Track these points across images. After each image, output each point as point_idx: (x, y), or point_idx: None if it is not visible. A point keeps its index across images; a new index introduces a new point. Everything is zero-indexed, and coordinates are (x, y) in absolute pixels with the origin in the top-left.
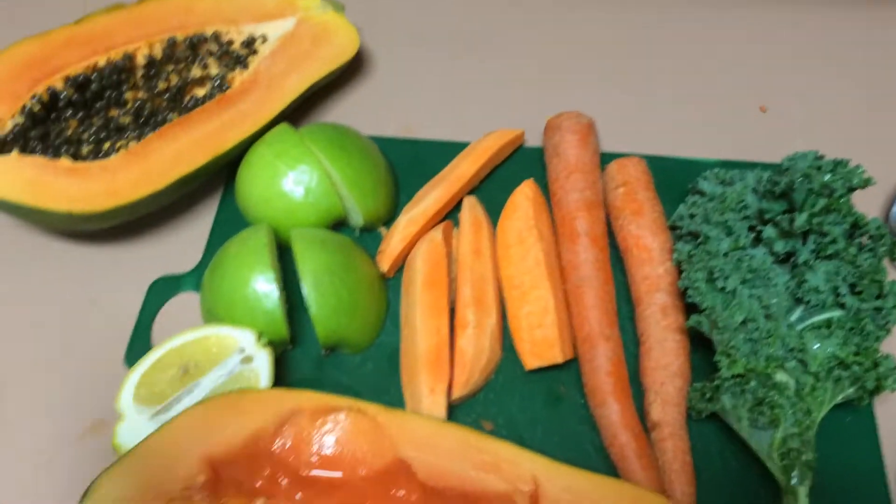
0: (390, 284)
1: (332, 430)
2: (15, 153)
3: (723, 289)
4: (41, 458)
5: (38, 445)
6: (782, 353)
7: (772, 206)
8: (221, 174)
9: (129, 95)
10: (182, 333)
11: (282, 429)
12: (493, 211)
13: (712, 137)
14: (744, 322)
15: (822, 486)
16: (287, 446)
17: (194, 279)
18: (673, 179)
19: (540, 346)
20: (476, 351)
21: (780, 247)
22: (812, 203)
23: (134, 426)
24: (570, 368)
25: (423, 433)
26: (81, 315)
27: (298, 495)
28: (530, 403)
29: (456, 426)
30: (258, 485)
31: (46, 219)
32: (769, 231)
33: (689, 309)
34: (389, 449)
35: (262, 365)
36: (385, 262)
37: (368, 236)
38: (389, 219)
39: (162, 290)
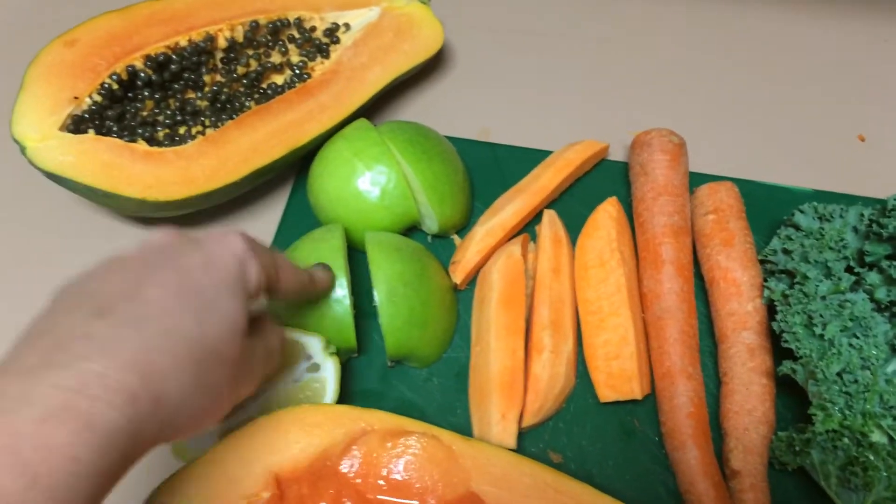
0: (461, 297)
1: (403, 455)
2: (91, 134)
3: (821, 336)
4: None
5: None
6: (880, 409)
7: (875, 249)
8: (293, 167)
9: (207, 79)
10: None
11: (351, 448)
12: (572, 226)
13: (806, 165)
14: (840, 374)
15: None
16: (355, 468)
17: None
18: (762, 206)
19: (617, 378)
20: (551, 378)
21: (883, 294)
22: None
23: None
24: (646, 402)
25: (499, 468)
26: None
27: None
28: (601, 437)
29: (534, 463)
30: None
31: (119, 203)
32: (872, 277)
33: (777, 351)
34: (463, 481)
35: (330, 375)
36: (459, 274)
37: (440, 243)
38: (464, 226)
39: None
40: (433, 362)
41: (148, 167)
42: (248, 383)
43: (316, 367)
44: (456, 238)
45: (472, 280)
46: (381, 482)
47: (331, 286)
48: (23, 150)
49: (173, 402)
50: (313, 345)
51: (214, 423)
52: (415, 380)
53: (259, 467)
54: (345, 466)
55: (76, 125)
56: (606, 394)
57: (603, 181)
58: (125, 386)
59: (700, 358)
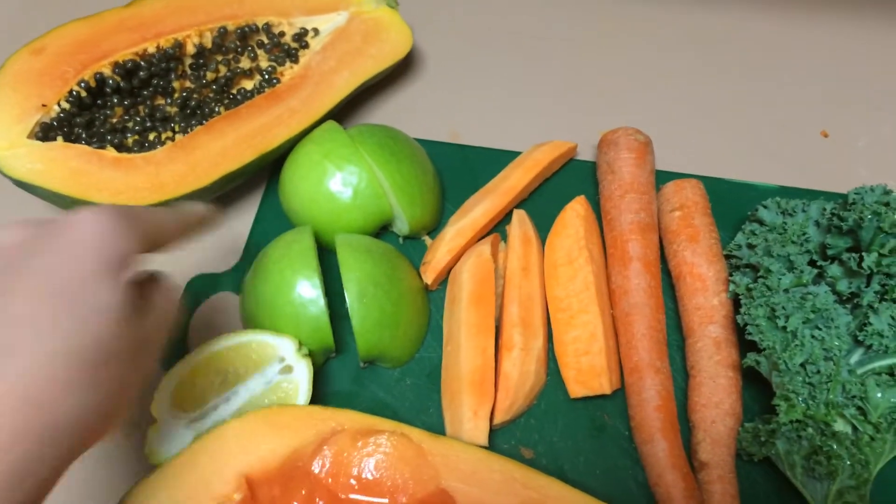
0: (432, 297)
1: (374, 454)
2: (60, 141)
3: (784, 328)
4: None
5: None
6: (842, 399)
7: (836, 242)
8: (264, 171)
9: (176, 85)
10: (222, 338)
11: (322, 449)
12: (541, 225)
13: (771, 161)
14: (803, 364)
15: None
16: (326, 467)
17: (232, 279)
18: (728, 203)
19: (586, 374)
20: (521, 375)
21: (844, 286)
22: (881, 243)
23: (168, 432)
24: (616, 397)
25: (468, 464)
26: None
27: None
28: (572, 432)
29: (503, 459)
30: None
31: None
32: (834, 269)
33: (743, 344)
34: (433, 478)
35: (302, 376)
36: (429, 275)
37: (411, 245)
38: (434, 227)
39: (199, 289)
40: (405, 362)
41: (117, 173)
42: (149, 357)
43: (289, 369)
44: (427, 239)
45: (443, 280)
46: (353, 481)
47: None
48: None
49: (73, 419)
50: (286, 347)
51: (128, 410)
52: (387, 380)
53: (230, 469)
54: (316, 466)
55: (45, 133)
56: (576, 389)
57: (571, 181)
58: (12, 426)
59: (668, 352)
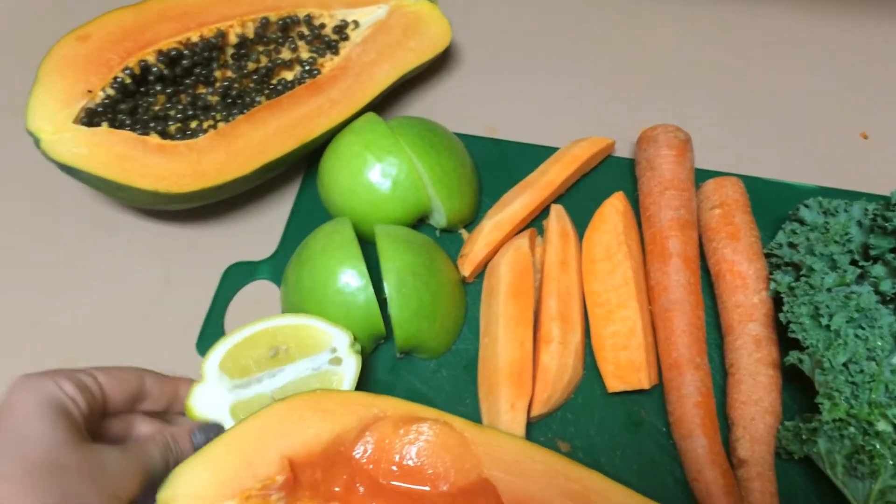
0: (469, 290)
1: (416, 441)
2: (105, 126)
3: (827, 326)
4: None
5: None
6: (885, 399)
7: (879, 242)
8: (303, 162)
9: (218, 74)
10: (282, 316)
11: (364, 434)
12: (579, 221)
13: (810, 162)
14: (846, 364)
15: None
16: (368, 453)
17: (270, 267)
18: (767, 203)
19: (624, 369)
20: (559, 368)
21: (888, 287)
22: None
23: (211, 392)
24: (653, 393)
25: (511, 454)
26: (155, 294)
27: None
28: (609, 427)
29: (545, 451)
30: (335, 490)
31: (131, 195)
32: (877, 269)
33: (783, 343)
34: (474, 467)
35: (349, 370)
36: (467, 267)
37: (448, 238)
38: (471, 221)
39: (237, 276)
40: (442, 354)
41: (160, 160)
42: (114, 486)
43: (338, 361)
44: (464, 232)
45: (480, 273)
46: (394, 468)
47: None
48: (37, 142)
49: None
50: (340, 339)
51: None
52: (424, 371)
53: (273, 451)
54: (358, 452)
55: (90, 118)
56: (614, 384)
57: (609, 177)
58: None
59: (706, 350)
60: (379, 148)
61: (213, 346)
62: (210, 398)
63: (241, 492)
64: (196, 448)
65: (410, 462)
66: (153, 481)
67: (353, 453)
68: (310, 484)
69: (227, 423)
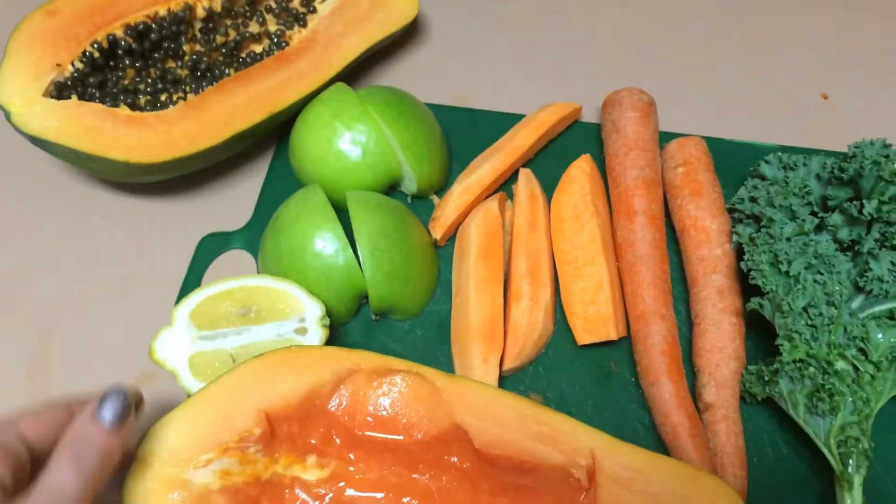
0: (441, 253)
1: (389, 393)
2: (74, 99)
3: (786, 273)
4: None
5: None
6: (844, 340)
7: (837, 193)
8: (274, 133)
9: (186, 48)
10: (262, 277)
11: (339, 388)
12: (547, 185)
13: (772, 123)
14: (805, 308)
15: (875, 477)
16: (343, 406)
17: (244, 237)
18: (731, 163)
19: (593, 322)
20: (530, 323)
21: (845, 234)
22: (881, 190)
23: (176, 339)
24: (621, 346)
25: (481, 401)
26: (130, 268)
27: (351, 455)
28: (580, 379)
29: (515, 396)
30: (312, 442)
31: (103, 167)
32: (835, 218)
33: (746, 293)
34: (447, 415)
35: (313, 342)
36: (438, 230)
37: (419, 204)
38: (442, 187)
39: (211, 247)
40: (416, 315)
41: (131, 131)
42: None
43: (303, 331)
44: (435, 198)
45: (451, 237)
46: (369, 419)
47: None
48: (7, 115)
49: None
50: (312, 310)
51: None
52: (398, 332)
53: (250, 406)
54: (333, 405)
55: (59, 92)
56: (584, 337)
57: (576, 142)
58: None
59: (672, 302)
60: (348, 116)
61: (188, 295)
62: (173, 345)
63: (218, 445)
64: (110, 425)
65: (384, 413)
66: (104, 486)
67: (329, 406)
68: (286, 437)
69: (183, 372)
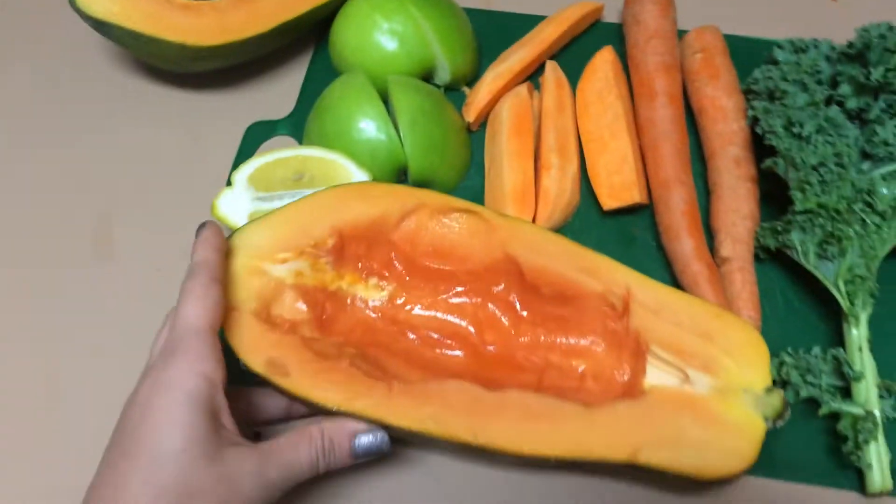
0: (473, 138)
1: (449, 227)
2: None
3: (799, 135)
4: (156, 272)
5: (153, 261)
6: (852, 194)
7: (846, 69)
8: (314, 31)
9: None
10: (315, 147)
11: (404, 219)
12: (572, 79)
13: (783, 21)
14: (816, 166)
15: (879, 322)
16: (406, 236)
17: (289, 124)
18: (743, 58)
19: (618, 189)
20: (559, 190)
21: (854, 103)
22: (887, 59)
23: (236, 199)
24: (644, 214)
25: (531, 237)
26: (182, 152)
27: (408, 278)
28: (605, 244)
29: (560, 237)
30: (375, 266)
31: (160, 50)
32: (844, 88)
33: (762, 161)
34: (499, 247)
35: None
36: (471, 114)
37: (452, 96)
38: (472, 79)
39: (258, 134)
40: (451, 189)
41: (187, 16)
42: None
43: None
44: (466, 90)
45: (482, 124)
46: (429, 249)
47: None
48: (72, 1)
49: None
50: (360, 178)
51: None
52: None
53: (326, 221)
54: (397, 234)
55: None
56: (609, 202)
57: (598, 39)
58: None
59: (692, 172)
60: (386, 8)
61: (247, 161)
62: (234, 203)
63: (296, 248)
64: (354, 457)
65: (443, 245)
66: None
67: (393, 235)
68: (353, 257)
69: None
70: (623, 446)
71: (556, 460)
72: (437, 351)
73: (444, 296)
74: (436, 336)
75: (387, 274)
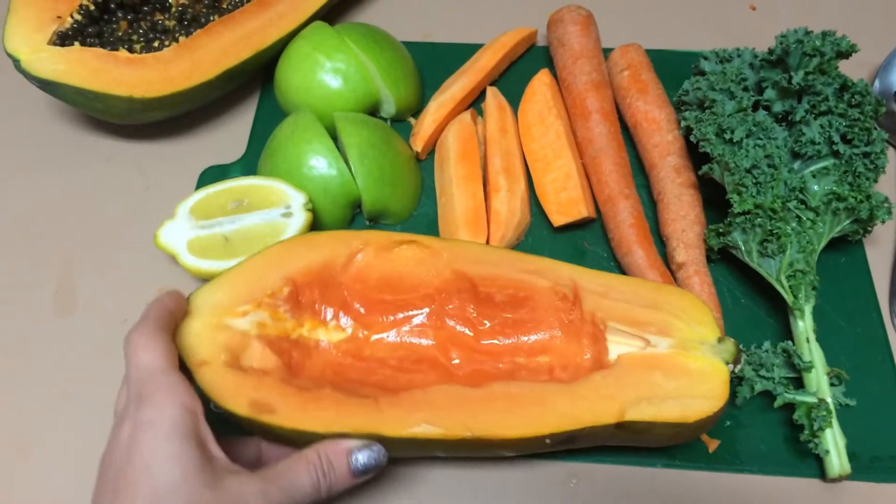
0: (422, 166)
1: (395, 260)
2: (77, 45)
3: (731, 140)
4: (120, 324)
5: (115, 310)
6: (785, 192)
7: (769, 75)
8: (259, 75)
9: (172, 0)
10: (251, 177)
11: (352, 260)
12: (511, 102)
13: (703, 32)
14: (749, 169)
15: (822, 313)
16: (356, 275)
17: (241, 167)
18: (669, 70)
19: (566, 205)
20: (509, 211)
21: (779, 107)
22: (806, 63)
23: (176, 228)
24: (592, 229)
25: (473, 253)
26: (138, 200)
27: (365, 314)
28: (558, 258)
29: (499, 248)
30: (331, 308)
31: (108, 105)
32: (769, 93)
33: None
34: (446, 266)
35: (297, 223)
36: (418, 143)
37: (398, 127)
38: (417, 110)
39: (212, 178)
40: (405, 219)
41: (132, 70)
42: None
43: (289, 215)
44: (412, 120)
45: (430, 152)
46: (380, 284)
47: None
48: (17, 63)
49: None
50: (297, 199)
51: None
52: None
53: (279, 273)
54: (346, 275)
55: (62, 40)
56: (558, 219)
57: (534, 63)
58: None
59: (634, 185)
60: (328, 48)
61: (192, 194)
62: (174, 232)
63: (253, 300)
64: (354, 474)
65: (393, 277)
66: None
67: (343, 276)
68: (309, 302)
69: (182, 253)
70: (609, 410)
71: (551, 439)
72: (410, 376)
73: (404, 324)
74: (404, 364)
75: (345, 314)
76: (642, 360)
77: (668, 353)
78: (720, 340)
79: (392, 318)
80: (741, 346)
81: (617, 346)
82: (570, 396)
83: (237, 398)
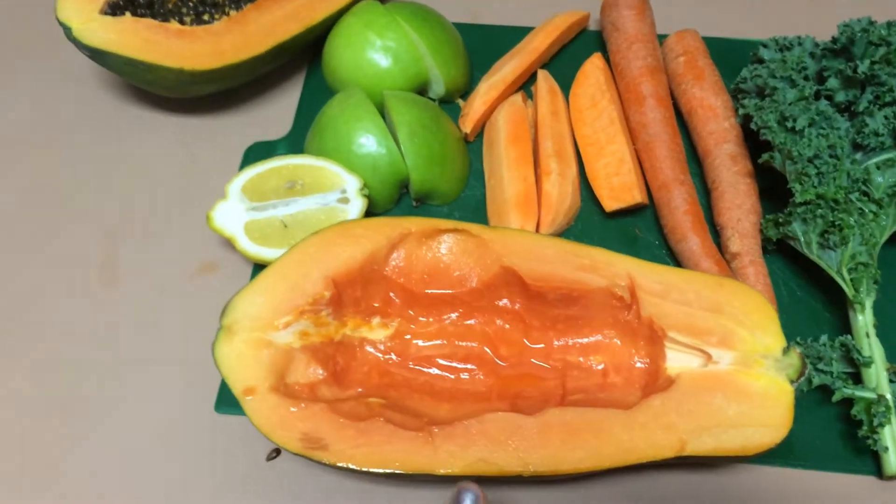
0: (470, 148)
1: (440, 250)
2: (128, 15)
3: (792, 129)
4: (158, 295)
5: (157, 283)
6: (848, 184)
7: (832, 64)
8: (306, 52)
9: None
10: (304, 156)
11: (393, 251)
12: (564, 87)
13: (760, 21)
14: (811, 160)
15: (881, 308)
16: (399, 269)
17: (287, 144)
18: (724, 58)
19: (618, 190)
20: (560, 195)
21: (842, 96)
22: (872, 53)
23: (230, 209)
24: (644, 214)
25: (525, 245)
26: (184, 174)
27: (411, 312)
28: (609, 245)
29: (552, 238)
30: (375, 305)
31: (158, 76)
32: (832, 82)
33: (755, 160)
34: (495, 261)
35: (354, 209)
36: (468, 124)
37: (447, 109)
38: (466, 90)
39: (257, 154)
40: (453, 200)
41: (182, 42)
42: None
43: (346, 201)
44: (461, 101)
45: (479, 134)
46: (424, 277)
47: None
48: (68, 31)
49: None
50: (352, 183)
51: None
52: (438, 216)
53: (317, 274)
54: (390, 268)
55: (113, 10)
56: (610, 204)
57: (585, 47)
58: None
59: (688, 171)
60: (378, 26)
61: (239, 172)
62: (229, 214)
63: (294, 309)
64: None
65: (437, 269)
66: None
67: (386, 270)
68: (352, 301)
69: (240, 237)
70: (669, 442)
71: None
72: (457, 377)
73: (450, 320)
74: (451, 363)
75: (389, 310)
76: (704, 380)
77: (729, 370)
78: (785, 352)
79: (438, 313)
80: (802, 349)
81: (676, 356)
82: (628, 425)
83: (287, 432)
